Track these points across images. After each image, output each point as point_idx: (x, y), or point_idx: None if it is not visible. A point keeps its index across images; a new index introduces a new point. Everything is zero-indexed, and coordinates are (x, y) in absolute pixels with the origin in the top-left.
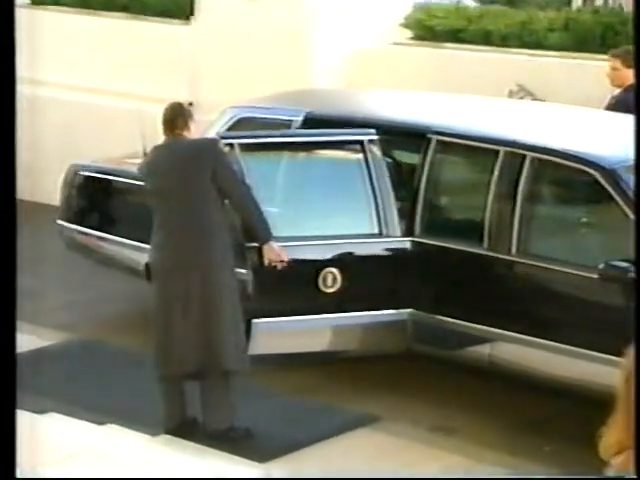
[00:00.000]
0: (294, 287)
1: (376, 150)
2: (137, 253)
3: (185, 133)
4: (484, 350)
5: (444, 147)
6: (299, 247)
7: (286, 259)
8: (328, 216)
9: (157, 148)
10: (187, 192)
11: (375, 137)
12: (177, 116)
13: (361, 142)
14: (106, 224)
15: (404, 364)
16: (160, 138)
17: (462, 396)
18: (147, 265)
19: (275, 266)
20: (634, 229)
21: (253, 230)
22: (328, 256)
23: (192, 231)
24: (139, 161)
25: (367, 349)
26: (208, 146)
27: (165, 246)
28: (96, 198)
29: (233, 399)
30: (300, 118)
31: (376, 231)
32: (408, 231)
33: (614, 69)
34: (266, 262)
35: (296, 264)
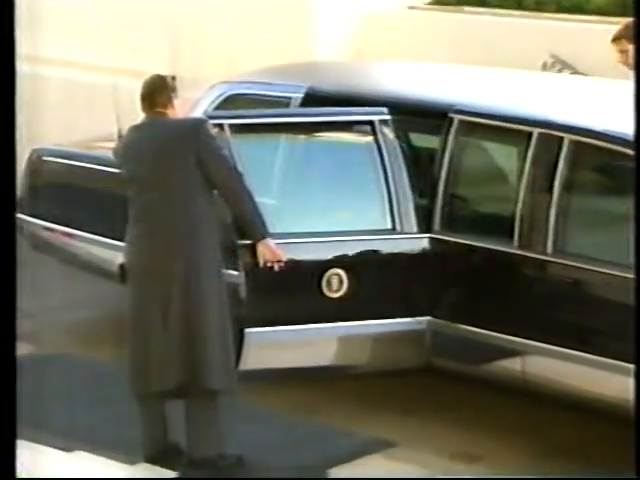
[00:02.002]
0: (293, 291)
1: (389, 132)
2: (111, 252)
3: (167, 111)
4: (514, 365)
5: (468, 128)
6: (299, 245)
7: (284, 259)
8: (333, 209)
9: (134, 129)
10: (169, 180)
11: (388, 117)
12: (158, 91)
13: (371, 123)
14: (75, 218)
15: (421, 381)
16: (139, 117)
17: (488, 418)
18: (122, 266)
19: (271, 267)
20: (634, 229)
21: (246, 226)
22: (333, 255)
23: (174, 226)
24: (113, 144)
25: (378, 364)
26: (193, 127)
27: (142, 243)
28: (63, 188)
29: (222, 422)
30: (300, 95)
31: (389, 227)
32: (426, 227)
33: (623, 52)
34: (261, 262)
35: (296, 265)
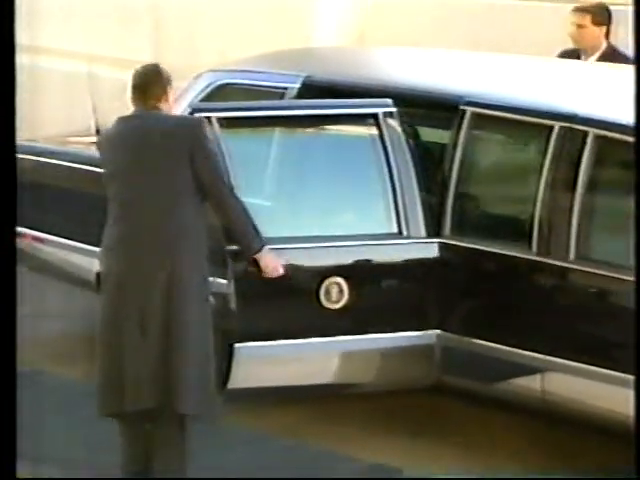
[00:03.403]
0: (288, 302)
1: (395, 126)
2: (87, 258)
3: (161, 105)
4: (533, 383)
5: (481, 122)
6: (294, 251)
7: (281, 272)
8: (333, 211)
9: (123, 120)
10: (155, 180)
11: (393, 109)
12: (152, 82)
13: (376, 115)
14: (47, 222)
15: (431, 401)
16: (118, 109)
17: (505, 442)
18: (98, 275)
19: (263, 274)
20: (634, 229)
21: (240, 239)
22: (332, 262)
23: (159, 230)
24: (89, 140)
25: (383, 382)
26: (189, 126)
27: (121, 247)
28: (35, 188)
29: (186, 447)
30: (296, 85)
31: (394, 230)
32: (435, 231)
33: (581, 26)
34: (264, 274)
35: (291, 273)
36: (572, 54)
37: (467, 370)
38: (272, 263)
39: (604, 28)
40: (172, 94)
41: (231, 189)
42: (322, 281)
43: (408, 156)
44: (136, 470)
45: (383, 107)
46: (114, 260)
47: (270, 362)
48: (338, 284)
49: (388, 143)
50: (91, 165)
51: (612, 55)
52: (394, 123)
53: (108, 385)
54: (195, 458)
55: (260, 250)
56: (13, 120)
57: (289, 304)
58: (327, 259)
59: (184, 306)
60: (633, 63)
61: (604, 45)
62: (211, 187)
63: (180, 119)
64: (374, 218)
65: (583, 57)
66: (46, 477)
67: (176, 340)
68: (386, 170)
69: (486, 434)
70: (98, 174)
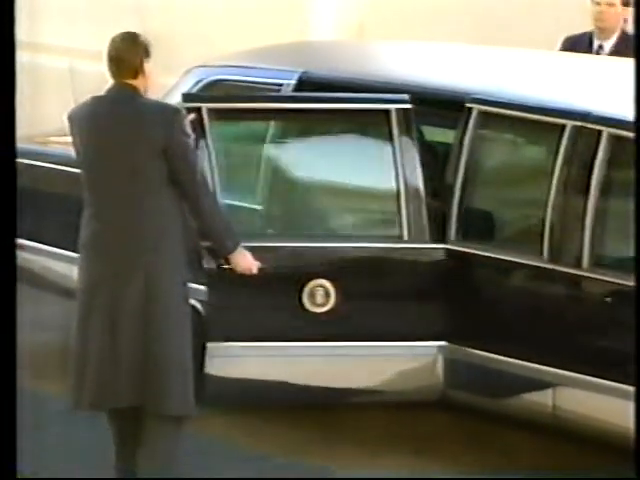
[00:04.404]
0: (267, 304)
1: (406, 124)
2: (67, 265)
3: (137, 81)
4: (544, 398)
5: (489, 121)
6: (276, 250)
7: (255, 270)
8: (333, 211)
9: (96, 100)
10: (126, 170)
11: (409, 106)
12: (126, 53)
13: (387, 112)
14: (24, 227)
15: (435, 417)
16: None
17: (514, 462)
18: None
19: (241, 275)
20: (634, 228)
21: (215, 240)
22: (317, 264)
23: (133, 227)
24: (67, 139)
25: (379, 395)
26: (165, 115)
27: (93, 243)
28: None
29: (170, 447)
30: (292, 81)
31: (396, 233)
32: (440, 235)
33: (611, 5)
34: (238, 271)
35: (271, 273)
36: (580, 39)
37: (474, 385)
38: (244, 263)
39: (627, 10)
40: (150, 67)
41: (206, 186)
42: (306, 283)
43: (416, 157)
44: (124, 468)
45: (397, 103)
46: (88, 258)
47: (240, 364)
48: (323, 287)
49: (397, 142)
50: (70, 166)
51: (627, 38)
52: (406, 121)
53: (77, 381)
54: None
55: (234, 250)
56: (13, 121)
57: (267, 306)
58: (311, 260)
59: (164, 307)
60: (634, 61)
61: (619, 31)
62: (184, 182)
63: (154, 105)
64: (376, 220)
65: (597, 40)
66: (46, 477)
67: (158, 342)
68: (393, 170)
69: (493, 452)
70: (78, 175)
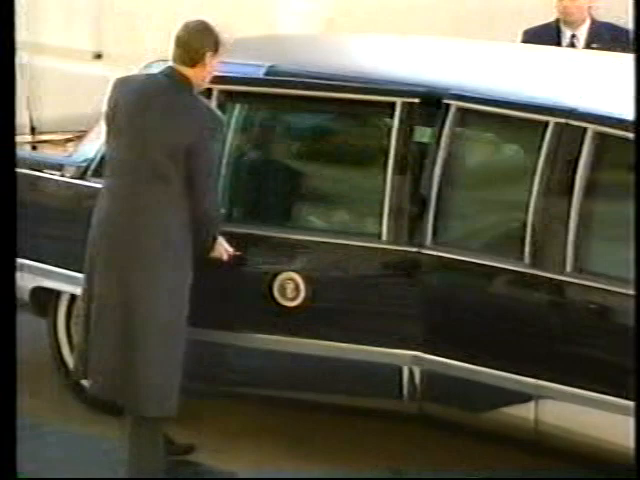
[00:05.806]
0: (238, 294)
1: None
2: (21, 274)
3: (192, 71)
4: (525, 412)
5: (467, 118)
6: (247, 242)
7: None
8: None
9: (148, 79)
10: (148, 158)
11: (416, 100)
12: (192, 41)
13: (392, 105)
14: None
15: (413, 432)
16: (61, 106)
17: (494, 476)
18: (35, 291)
19: (214, 265)
20: (634, 228)
21: (207, 225)
22: (287, 257)
23: (143, 215)
24: (21, 139)
25: (344, 399)
26: (202, 121)
27: (104, 227)
28: None
29: (155, 446)
30: (259, 75)
31: (375, 231)
32: (414, 238)
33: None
34: (216, 256)
35: (243, 261)
36: (543, 31)
37: (451, 398)
38: (221, 248)
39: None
40: (212, 60)
41: (214, 182)
42: (275, 276)
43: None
44: None
45: (404, 96)
46: (99, 231)
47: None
48: (293, 280)
49: (394, 136)
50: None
51: (599, 25)
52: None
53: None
54: None
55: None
56: (13, 121)
57: (236, 296)
58: (282, 253)
59: (153, 305)
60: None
61: (589, 19)
62: (197, 181)
63: (200, 106)
64: (358, 217)
65: (568, 31)
66: (46, 477)
67: (142, 339)
68: (380, 165)
69: (474, 469)
70: (33, 178)
